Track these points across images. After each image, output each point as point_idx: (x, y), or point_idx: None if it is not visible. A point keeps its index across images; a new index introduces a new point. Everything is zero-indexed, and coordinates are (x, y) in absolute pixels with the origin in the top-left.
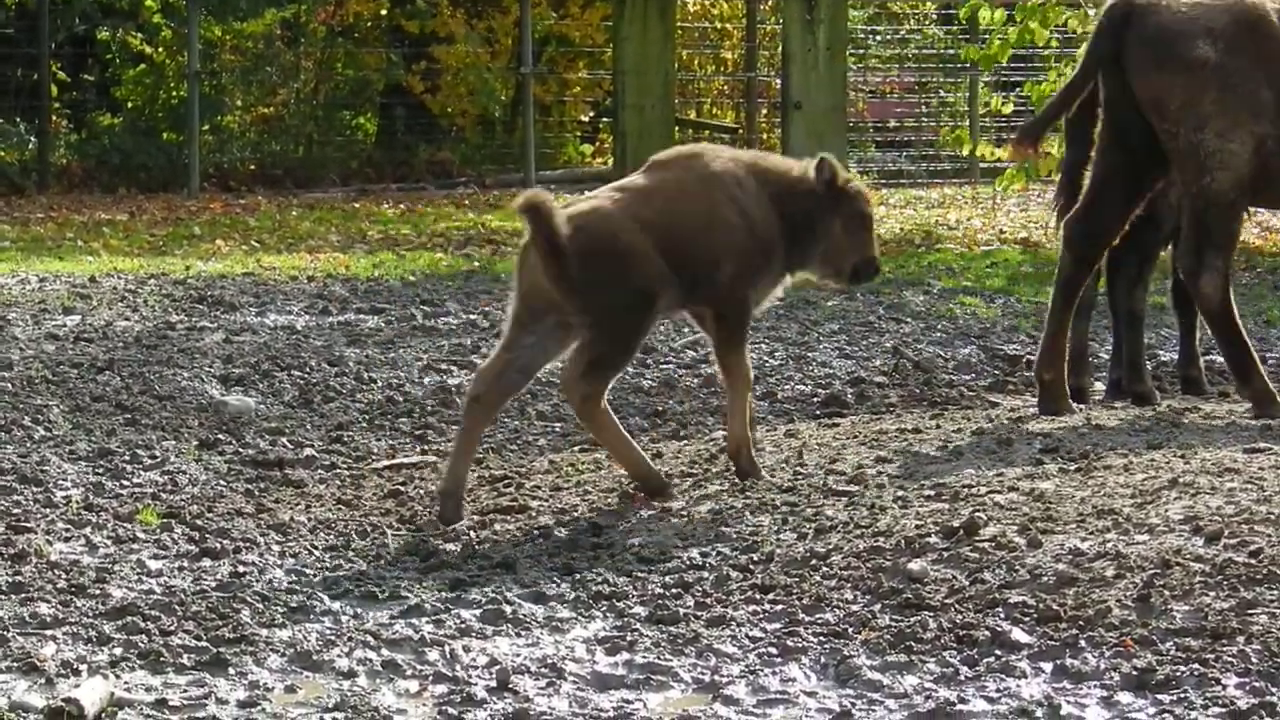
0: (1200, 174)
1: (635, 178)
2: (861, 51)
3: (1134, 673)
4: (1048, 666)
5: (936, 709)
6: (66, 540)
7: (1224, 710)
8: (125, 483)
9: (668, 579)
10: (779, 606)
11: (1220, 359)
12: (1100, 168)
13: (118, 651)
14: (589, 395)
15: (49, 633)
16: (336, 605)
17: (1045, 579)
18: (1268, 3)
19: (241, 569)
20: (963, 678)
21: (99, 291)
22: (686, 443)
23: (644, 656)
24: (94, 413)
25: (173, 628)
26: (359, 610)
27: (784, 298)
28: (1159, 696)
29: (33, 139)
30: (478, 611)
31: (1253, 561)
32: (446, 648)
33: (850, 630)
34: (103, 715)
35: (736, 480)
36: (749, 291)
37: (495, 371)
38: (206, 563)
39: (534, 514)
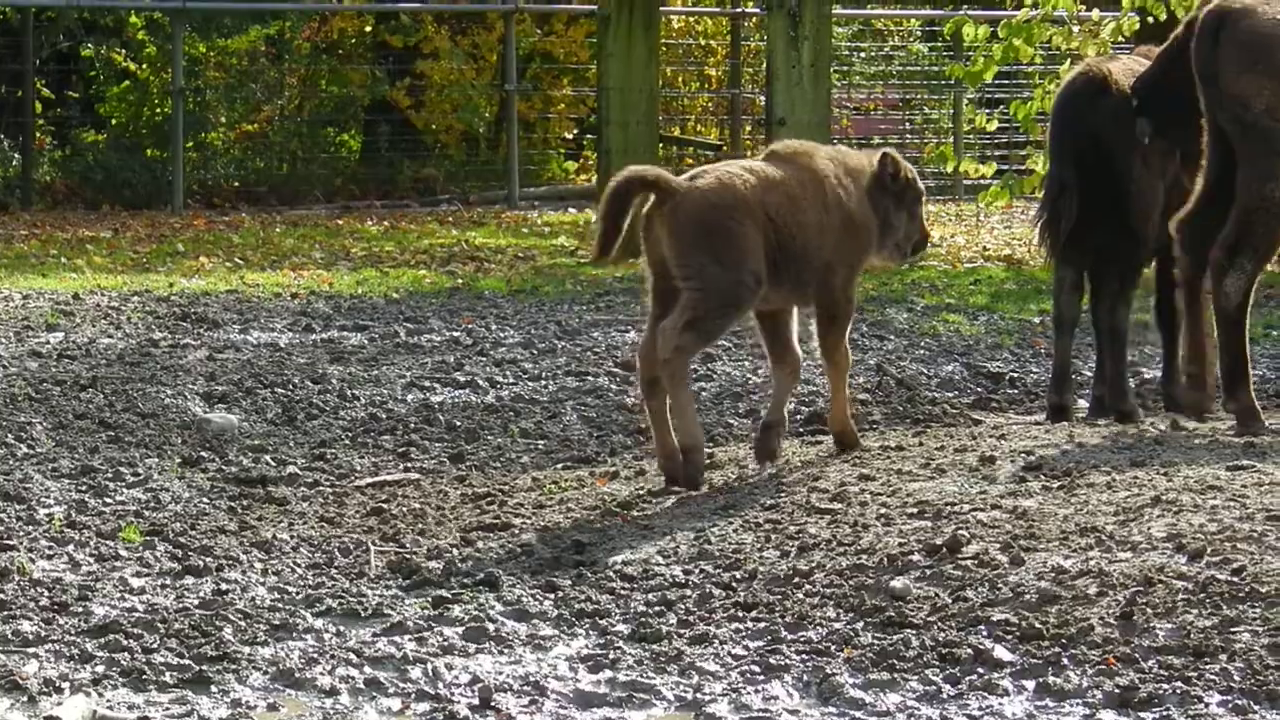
0: (1266, 179)
1: (758, 164)
2: (846, 68)
3: (1117, 691)
4: (1030, 684)
5: None
6: (49, 558)
7: None
8: (108, 500)
9: (650, 597)
10: (762, 624)
11: None
12: (1209, 172)
13: (100, 669)
14: (681, 347)
15: (31, 650)
16: (319, 623)
17: (1028, 597)
18: None
19: (224, 587)
20: (945, 696)
21: (82, 309)
22: None
23: (626, 674)
24: (77, 430)
25: (155, 645)
26: (342, 628)
27: None
28: (1142, 714)
29: (17, 156)
30: (460, 629)
31: (1235, 579)
32: (429, 665)
33: (833, 648)
34: None
35: (751, 476)
36: (853, 287)
37: (651, 351)
38: (189, 580)
39: (517, 531)
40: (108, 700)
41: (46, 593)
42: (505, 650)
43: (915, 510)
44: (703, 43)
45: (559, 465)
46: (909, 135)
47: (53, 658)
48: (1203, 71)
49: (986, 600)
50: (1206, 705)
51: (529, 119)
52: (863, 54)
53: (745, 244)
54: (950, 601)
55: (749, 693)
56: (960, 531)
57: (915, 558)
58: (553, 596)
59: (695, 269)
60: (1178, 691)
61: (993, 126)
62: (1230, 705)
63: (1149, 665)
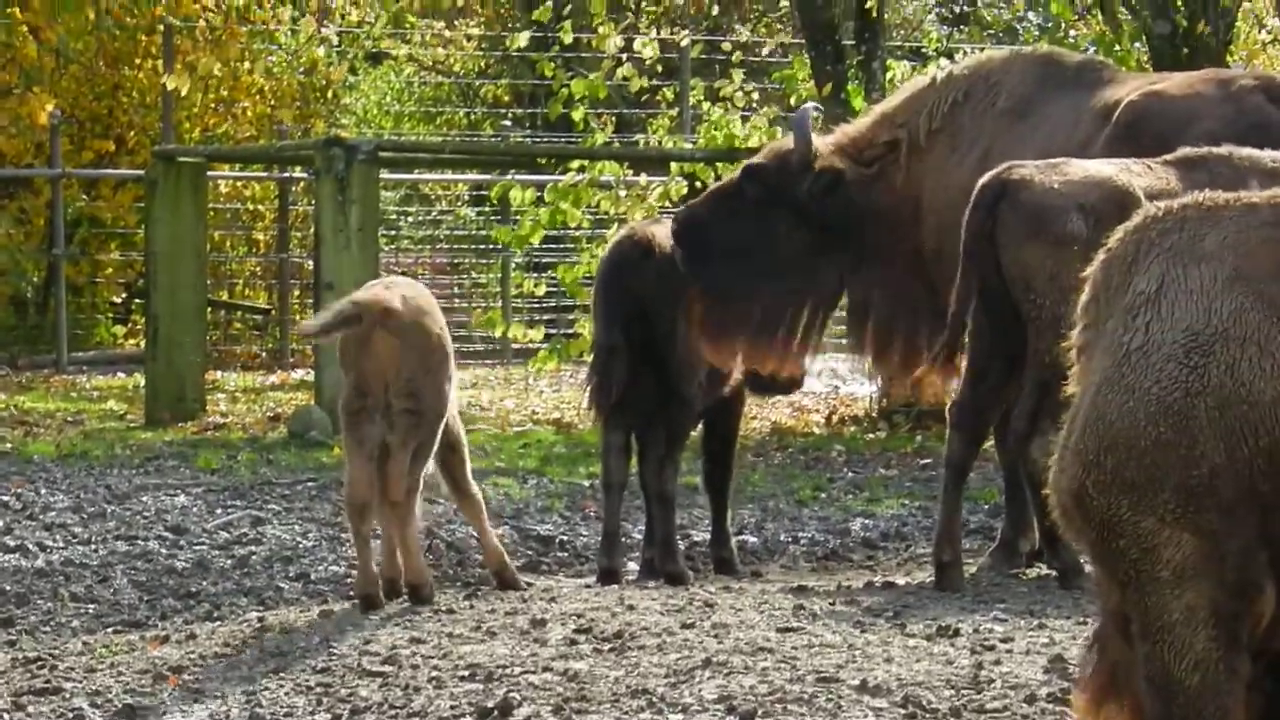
0: (1058, 344)
1: (402, 279)
2: (394, 232)
3: None
4: None
5: None
6: None
7: None
8: None
9: None
10: None
11: (752, 539)
12: (976, 345)
13: None
14: (412, 489)
15: None
16: None
17: None
18: (1135, 182)
19: None
20: None
21: None
22: (220, 624)
23: None
24: None
25: None
26: None
27: (315, 479)
28: None
29: None
30: None
31: None
32: None
33: None
34: None
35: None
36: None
37: (366, 477)
38: None
39: (68, 695)
40: None
41: None
42: None
43: (467, 673)
44: (251, 207)
45: (110, 629)
46: (457, 299)
47: None
48: (979, 241)
49: None
50: None
51: (77, 283)
52: (410, 218)
53: (446, 350)
54: None
55: None
56: (511, 694)
57: None
58: None
59: (416, 388)
60: None
61: (541, 291)
62: None
63: None
